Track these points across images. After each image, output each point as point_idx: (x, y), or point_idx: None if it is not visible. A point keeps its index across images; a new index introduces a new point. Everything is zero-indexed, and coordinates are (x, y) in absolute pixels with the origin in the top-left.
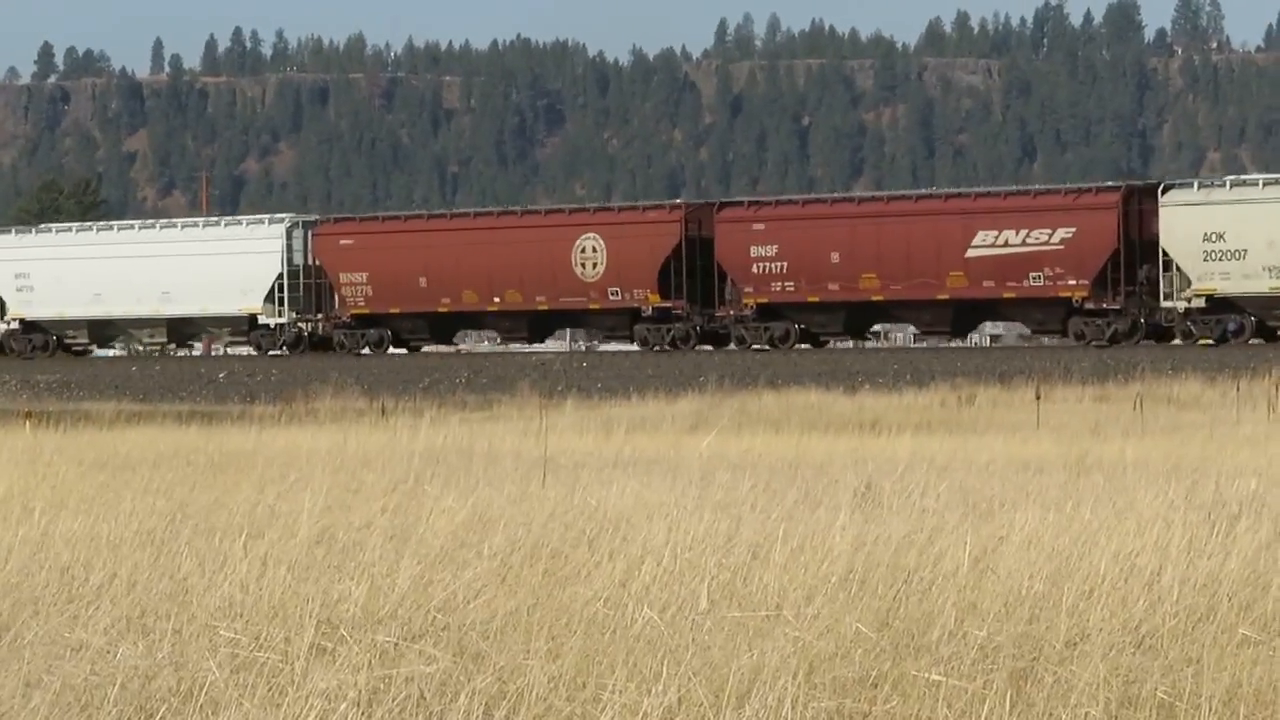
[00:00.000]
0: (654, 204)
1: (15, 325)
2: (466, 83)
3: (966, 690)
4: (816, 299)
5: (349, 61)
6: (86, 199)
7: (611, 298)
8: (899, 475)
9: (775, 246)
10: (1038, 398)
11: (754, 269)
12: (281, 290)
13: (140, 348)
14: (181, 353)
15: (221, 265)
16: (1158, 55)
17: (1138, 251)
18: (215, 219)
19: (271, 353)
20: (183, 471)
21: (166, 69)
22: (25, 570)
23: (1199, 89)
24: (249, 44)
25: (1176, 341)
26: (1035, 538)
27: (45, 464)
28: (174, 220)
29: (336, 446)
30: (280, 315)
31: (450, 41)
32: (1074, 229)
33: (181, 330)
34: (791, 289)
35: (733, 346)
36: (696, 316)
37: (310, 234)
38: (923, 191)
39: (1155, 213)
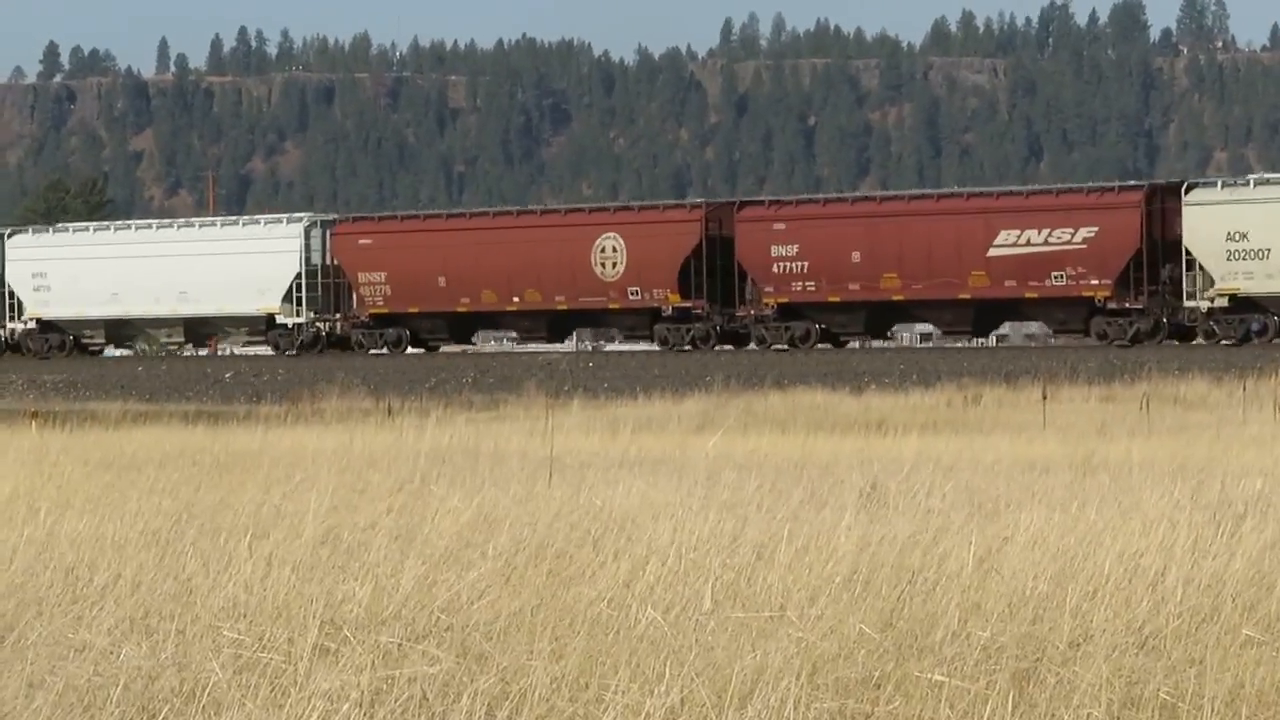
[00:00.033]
0: (674, 203)
1: (32, 325)
2: (472, 82)
3: (969, 691)
4: (837, 299)
5: (354, 61)
6: (93, 198)
7: (631, 297)
8: (904, 475)
9: (796, 246)
10: (1044, 398)
11: (774, 268)
12: (299, 290)
13: (150, 347)
14: (187, 352)
15: (239, 265)
16: (1163, 55)
17: (1160, 251)
18: (233, 218)
19: (289, 352)
20: (188, 472)
21: (172, 68)
22: (30, 570)
23: (1205, 88)
24: (254, 43)
25: (1199, 341)
26: (1040, 538)
27: (51, 464)
28: (192, 220)
29: (342, 446)
30: (298, 315)
31: (456, 41)
32: (1097, 228)
33: (199, 330)
34: (812, 289)
35: (753, 346)
36: (717, 316)
37: (328, 233)
38: (944, 191)
39: (1178, 212)
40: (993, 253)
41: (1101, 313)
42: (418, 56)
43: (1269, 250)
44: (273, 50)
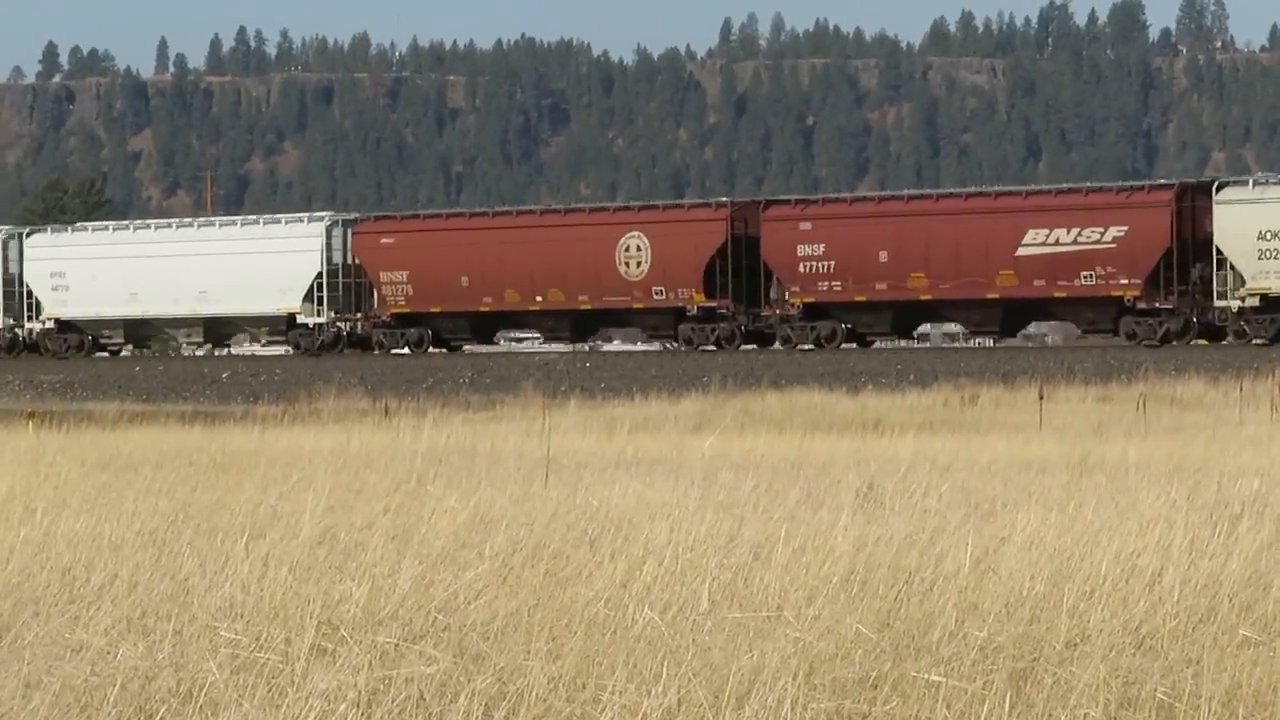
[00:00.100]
0: (699, 202)
1: (50, 325)
2: (471, 82)
3: (966, 691)
4: (864, 298)
5: (353, 61)
6: (91, 199)
7: (656, 297)
8: (901, 476)
9: (822, 245)
10: (1040, 398)
11: (800, 268)
12: (320, 289)
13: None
14: (188, 352)
15: (260, 264)
16: (1162, 55)
17: (1191, 250)
18: (253, 217)
19: (311, 352)
20: (185, 472)
21: (171, 69)
22: (27, 570)
23: (1204, 89)
24: (253, 43)
25: (1229, 340)
26: (1037, 538)
27: (48, 464)
28: (211, 219)
29: (339, 447)
30: (319, 314)
31: (455, 41)
32: (1126, 227)
33: (219, 330)
34: (839, 288)
35: (778, 346)
36: (742, 316)
37: (350, 233)
38: (972, 190)
39: (1209, 211)
40: (1021, 252)
41: (1131, 312)
42: (417, 57)
43: None
44: (272, 50)
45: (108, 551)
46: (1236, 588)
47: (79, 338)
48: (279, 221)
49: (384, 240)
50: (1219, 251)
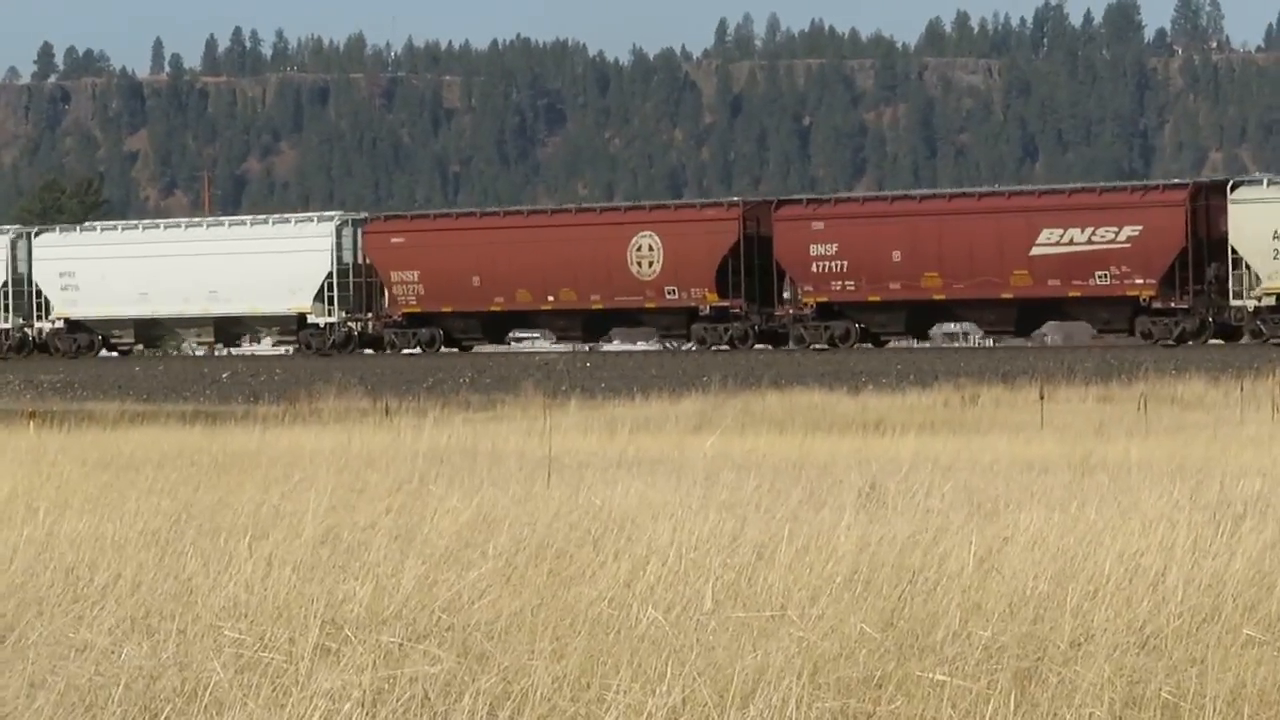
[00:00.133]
0: (711, 202)
1: (60, 324)
2: (467, 82)
3: (971, 690)
4: (877, 298)
5: (349, 61)
6: (88, 199)
7: (668, 296)
8: (903, 475)
9: (835, 245)
10: (1041, 398)
11: (813, 268)
12: (331, 289)
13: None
14: (188, 352)
15: (270, 264)
16: (1158, 55)
17: (1206, 250)
18: (263, 217)
19: (321, 352)
20: (187, 472)
21: (167, 69)
22: (30, 570)
23: (1199, 89)
24: (249, 44)
25: (1245, 340)
26: (1040, 538)
27: (50, 464)
28: (221, 219)
29: (340, 446)
30: (330, 314)
31: (450, 41)
32: (1141, 227)
33: (229, 330)
34: (852, 288)
35: (791, 346)
36: (755, 316)
37: (360, 232)
38: (986, 189)
39: (1224, 210)
40: (1035, 252)
41: (1146, 312)
42: (412, 57)
43: None
44: (267, 51)
45: (111, 551)
46: (1240, 587)
47: (89, 338)
48: (289, 221)
49: (395, 240)
50: (1234, 251)
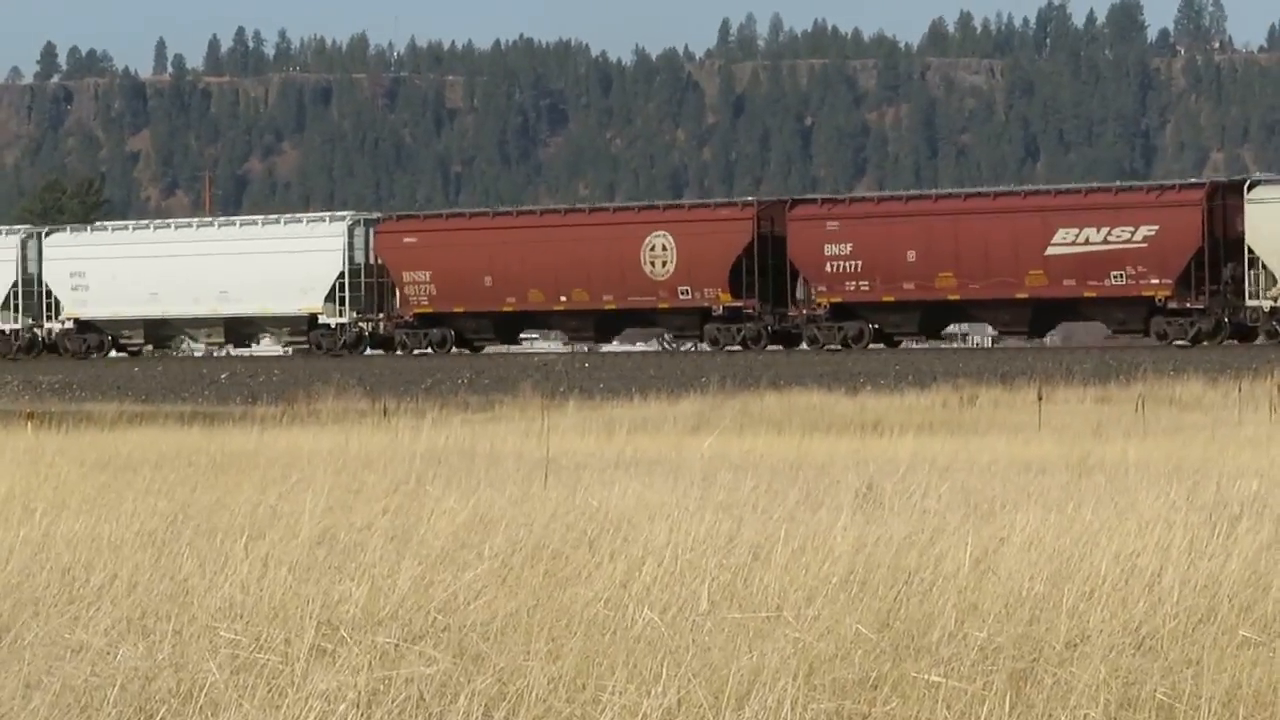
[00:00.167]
0: (725, 201)
1: (70, 325)
2: (469, 82)
3: (966, 691)
4: (892, 298)
5: (351, 61)
6: (90, 199)
7: (681, 297)
8: (900, 476)
9: (850, 245)
10: (1039, 399)
11: (827, 268)
12: (342, 289)
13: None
14: (187, 352)
15: (281, 264)
16: (1160, 55)
17: (1222, 249)
18: (274, 216)
19: (333, 352)
20: (184, 472)
21: (169, 69)
22: (26, 571)
23: (1202, 89)
24: (251, 44)
25: (1260, 341)
26: (1036, 539)
27: (47, 465)
28: (232, 219)
29: (338, 447)
30: (341, 315)
31: (453, 41)
32: (1157, 227)
33: (240, 330)
34: (866, 288)
35: (804, 346)
36: (768, 316)
37: (372, 232)
38: (1001, 189)
39: (1240, 209)
40: (1050, 251)
41: (1162, 312)
42: (415, 57)
43: None
44: (270, 51)
45: (107, 552)
46: (1236, 588)
47: (98, 338)
48: (300, 221)
49: (407, 240)
50: (1250, 251)
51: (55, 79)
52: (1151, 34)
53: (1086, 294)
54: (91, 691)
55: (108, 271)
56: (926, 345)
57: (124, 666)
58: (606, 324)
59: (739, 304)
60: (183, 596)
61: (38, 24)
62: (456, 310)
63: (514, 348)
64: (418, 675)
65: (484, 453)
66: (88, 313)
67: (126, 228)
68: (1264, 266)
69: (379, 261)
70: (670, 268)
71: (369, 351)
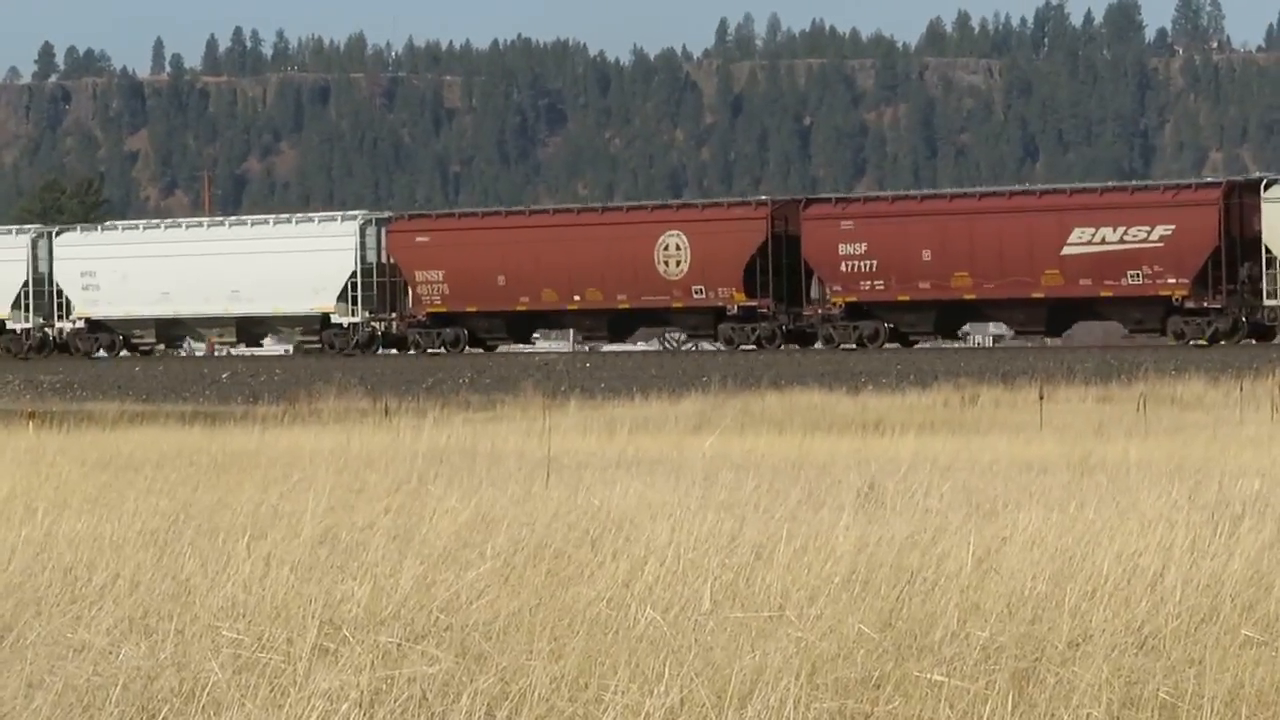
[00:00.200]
0: (739, 200)
1: (81, 324)
2: (467, 82)
3: (969, 691)
4: (907, 298)
5: (350, 61)
6: (88, 199)
7: (695, 296)
8: (902, 476)
9: (864, 244)
10: (1041, 398)
11: (842, 267)
12: (355, 289)
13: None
14: (186, 352)
15: (293, 263)
16: (1158, 55)
17: (1239, 249)
18: (286, 216)
19: (345, 352)
20: (186, 472)
21: (167, 69)
22: (28, 570)
23: (1200, 89)
24: (250, 44)
25: (1279, 340)
26: (1038, 538)
27: (48, 464)
28: (244, 218)
29: (340, 447)
30: (353, 314)
31: (451, 41)
32: (1174, 226)
33: (251, 329)
34: (881, 288)
35: (819, 345)
36: (782, 315)
37: (384, 231)
38: (1016, 188)
39: (1257, 208)
40: (1067, 251)
41: (1179, 312)
42: (413, 57)
43: None
44: (268, 50)
45: (109, 551)
46: (1238, 588)
47: (110, 337)
48: (312, 220)
49: (419, 239)
50: (1268, 250)
51: (53, 79)
52: (1149, 34)
53: (1103, 293)
54: (94, 691)
55: (119, 271)
56: (928, 345)
57: (126, 666)
58: (620, 323)
59: (753, 303)
60: (185, 596)
61: (36, 24)
62: (469, 310)
63: (517, 347)
64: (420, 674)
65: (486, 452)
66: (99, 312)
67: (137, 227)
68: None
69: (391, 261)
70: (684, 267)
71: (381, 351)
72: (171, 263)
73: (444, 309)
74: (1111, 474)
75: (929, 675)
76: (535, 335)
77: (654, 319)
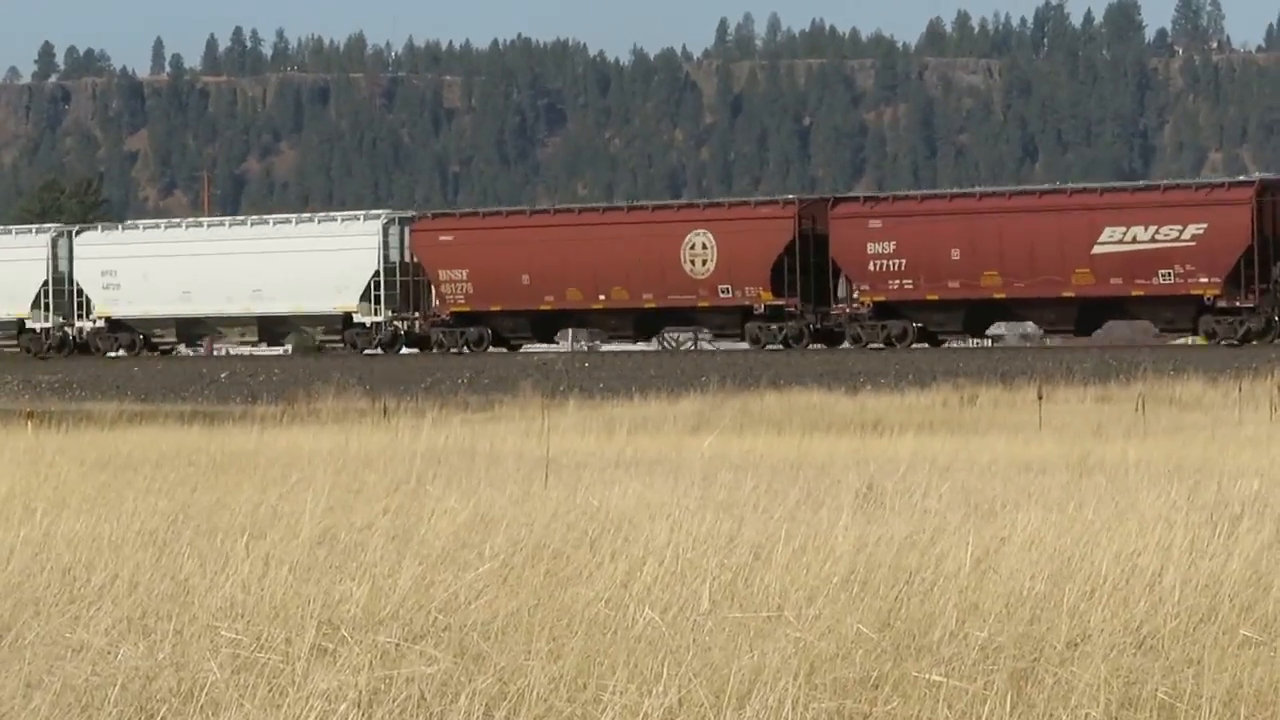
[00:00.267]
0: (766, 199)
1: (101, 324)
2: (467, 82)
3: (967, 691)
4: (936, 297)
5: (349, 61)
6: (88, 199)
7: (722, 295)
8: (901, 476)
9: (893, 243)
10: (1040, 398)
11: (870, 266)
12: (378, 288)
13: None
14: (185, 352)
15: (315, 262)
16: (1158, 55)
17: (1271, 248)
18: (308, 215)
19: (367, 351)
20: (185, 472)
21: (167, 68)
22: (27, 571)
23: (1200, 89)
24: (249, 44)
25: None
26: (1037, 538)
27: (47, 464)
28: (265, 217)
29: (338, 447)
30: (376, 313)
31: (451, 41)
32: (1205, 225)
33: (273, 329)
34: (910, 287)
35: (848, 345)
36: (810, 315)
37: (407, 230)
38: (1047, 187)
39: None
40: (1097, 250)
41: (1210, 311)
42: (413, 57)
43: None
44: (268, 50)
45: (108, 551)
46: (1237, 588)
47: (130, 337)
48: (335, 219)
49: (443, 238)
50: None
51: (53, 79)
52: (1149, 34)
53: (1134, 293)
54: (92, 691)
55: (139, 270)
56: (928, 346)
57: (125, 666)
58: (646, 322)
59: (780, 302)
60: (183, 596)
61: (35, 24)
62: (494, 309)
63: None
64: (418, 675)
65: (484, 452)
66: (119, 311)
67: (158, 226)
68: None
69: (415, 260)
70: (711, 266)
71: (404, 350)
72: (193, 262)
73: (468, 308)
74: (1110, 474)
75: (927, 675)
76: (558, 335)
77: (680, 318)
